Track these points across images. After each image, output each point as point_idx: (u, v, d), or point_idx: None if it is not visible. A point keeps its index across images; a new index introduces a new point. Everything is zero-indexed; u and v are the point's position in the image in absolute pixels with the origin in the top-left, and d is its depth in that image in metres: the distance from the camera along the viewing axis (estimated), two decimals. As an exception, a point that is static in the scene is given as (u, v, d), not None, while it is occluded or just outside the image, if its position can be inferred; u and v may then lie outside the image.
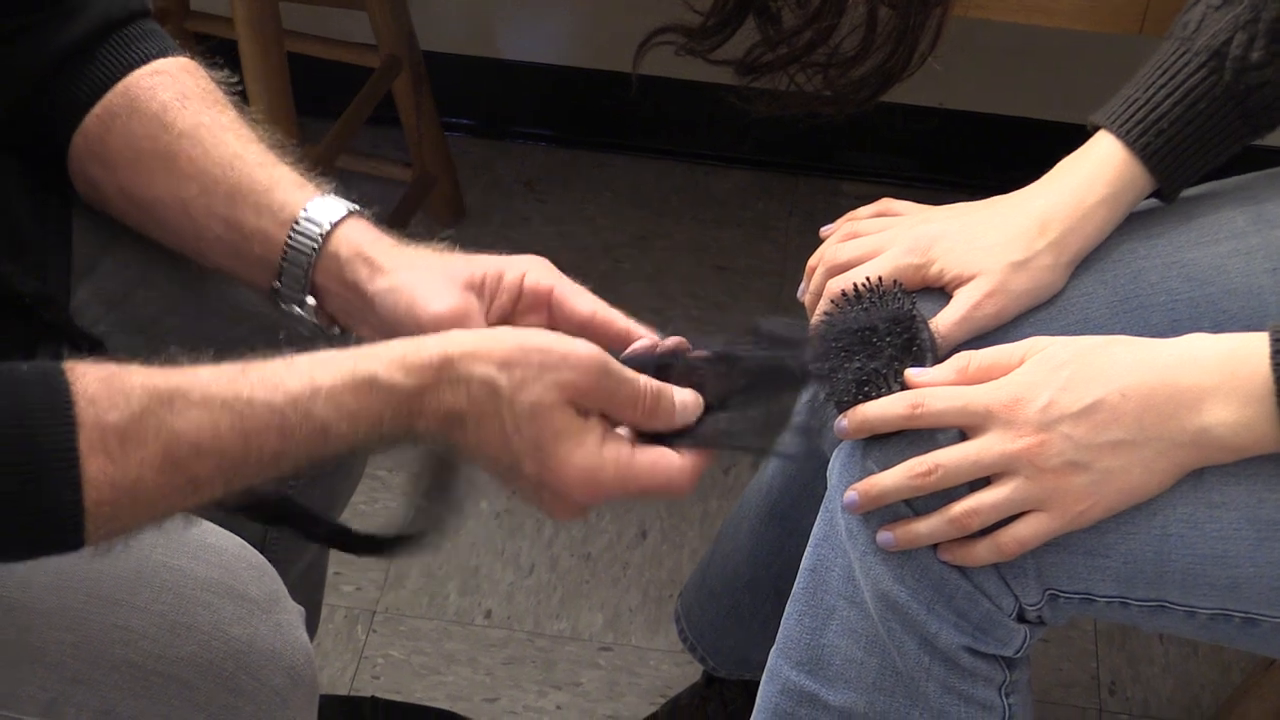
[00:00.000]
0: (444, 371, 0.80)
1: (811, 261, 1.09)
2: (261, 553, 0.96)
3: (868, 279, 1.00)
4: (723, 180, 2.23)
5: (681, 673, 1.64)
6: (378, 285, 0.92)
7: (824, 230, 1.11)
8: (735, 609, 1.39)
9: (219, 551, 0.92)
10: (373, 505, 1.80)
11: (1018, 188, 1.05)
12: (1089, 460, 0.90)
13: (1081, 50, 1.95)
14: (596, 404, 0.84)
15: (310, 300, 0.95)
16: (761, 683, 1.07)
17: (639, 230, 2.15)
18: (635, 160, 2.25)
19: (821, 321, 0.99)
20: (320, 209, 0.94)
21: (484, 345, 0.81)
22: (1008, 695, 0.99)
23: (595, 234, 2.14)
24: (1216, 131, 1.01)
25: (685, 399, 0.87)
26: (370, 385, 0.79)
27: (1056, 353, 0.93)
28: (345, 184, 0.99)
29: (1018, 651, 0.98)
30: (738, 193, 2.21)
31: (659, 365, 0.89)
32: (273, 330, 0.95)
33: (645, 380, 0.86)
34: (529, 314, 0.94)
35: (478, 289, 0.93)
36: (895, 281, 1.00)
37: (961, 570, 0.94)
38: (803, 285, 1.10)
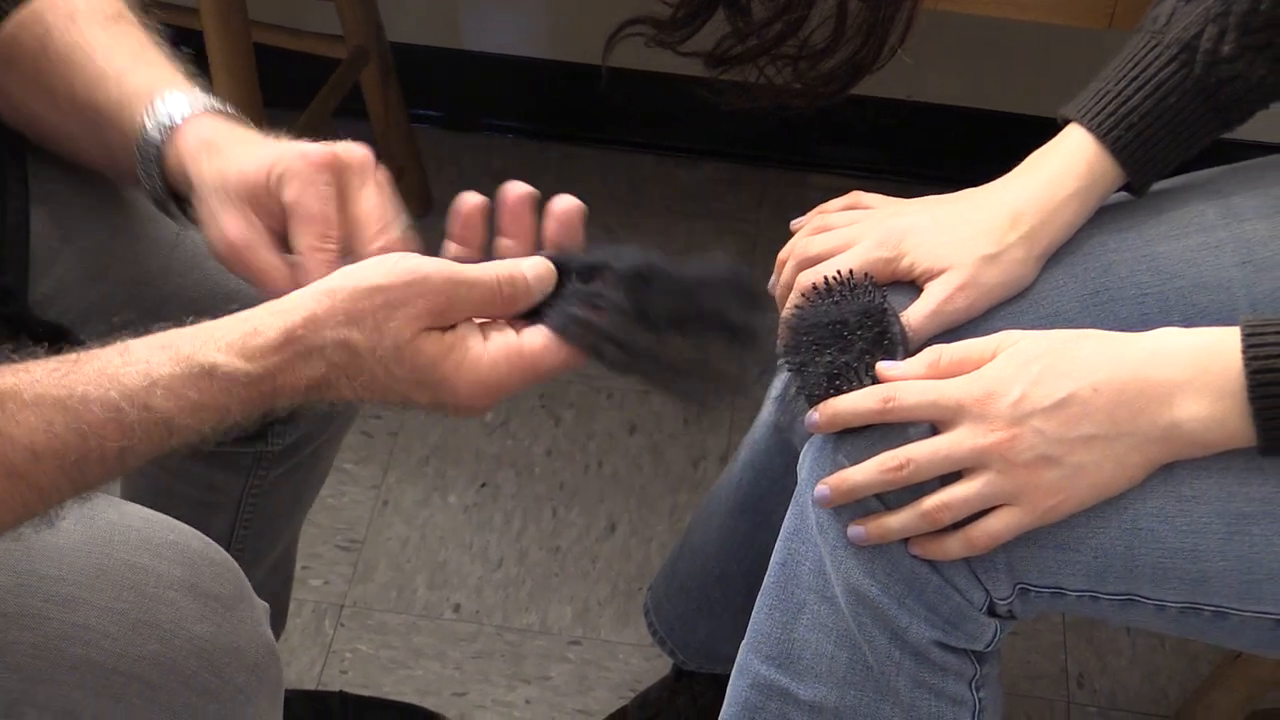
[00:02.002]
0: (290, 348, 0.77)
1: (782, 255, 1.09)
2: (227, 550, 0.95)
3: (838, 272, 0.99)
4: (692, 172, 2.23)
5: (651, 666, 1.63)
6: (198, 210, 0.90)
7: (794, 223, 1.11)
8: (705, 602, 1.39)
9: (182, 549, 0.91)
10: (340, 499, 1.79)
11: (988, 181, 1.05)
12: (1060, 455, 0.90)
13: (1051, 44, 1.95)
14: (457, 316, 0.81)
15: (173, 207, 0.92)
16: (731, 676, 1.07)
17: (608, 222, 2.14)
18: (604, 152, 2.25)
19: (792, 315, 0.99)
20: (160, 116, 0.90)
21: (323, 306, 0.78)
22: (978, 689, 0.99)
23: (564, 226, 2.12)
24: (1187, 125, 1.01)
25: (537, 270, 0.84)
26: (210, 376, 0.75)
27: (1028, 347, 0.92)
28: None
29: (988, 646, 0.98)
30: (708, 185, 2.21)
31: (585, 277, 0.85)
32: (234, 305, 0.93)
33: (492, 270, 0.82)
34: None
35: (258, 200, 0.87)
36: (866, 275, 1.00)
37: (932, 564, 0.94)
38: (773, 278, 1.09)
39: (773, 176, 2.22)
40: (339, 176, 0.87)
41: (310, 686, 1.61)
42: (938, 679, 0.98)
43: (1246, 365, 0.87)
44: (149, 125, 0.91)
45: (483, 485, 1.82)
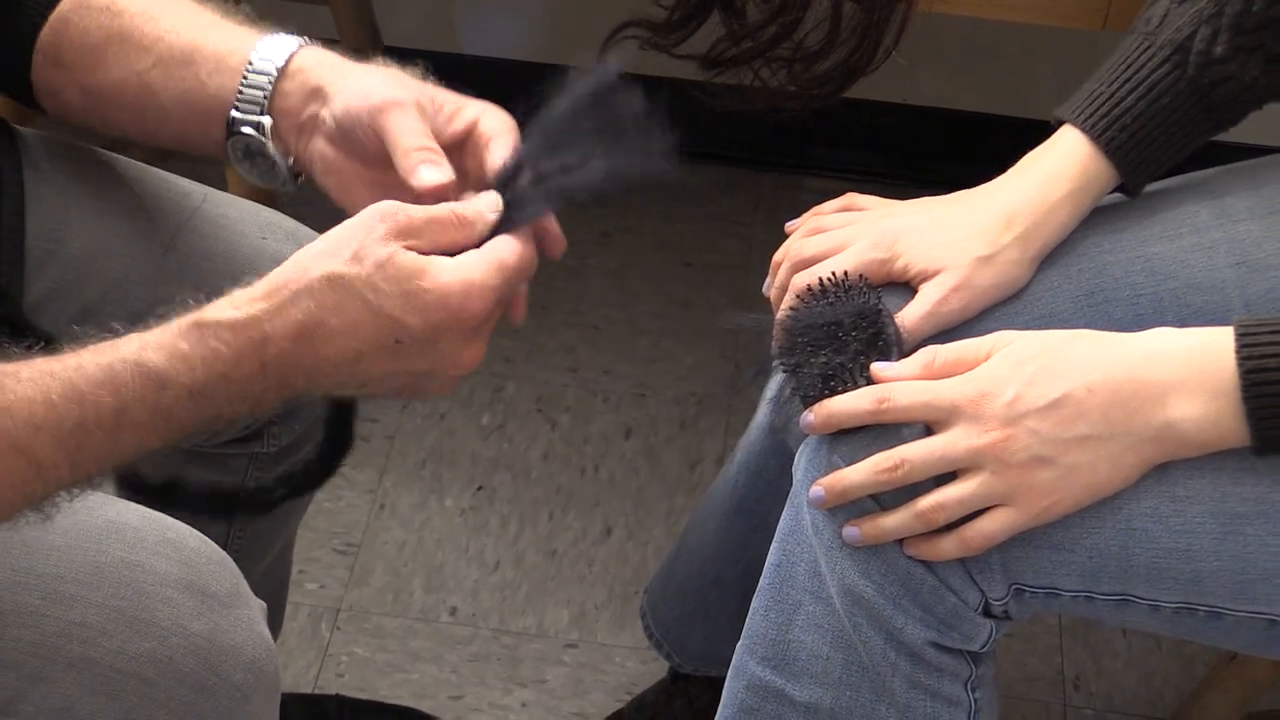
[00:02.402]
0: (276, 294, 0.79)
1: (777, 257, 1.09)
2: (224, 549, 0.95)
3: (833, 274, 0.99)
4: (688, 175, 2.22)
5: (647, 669, 1.63)
6: (339, 84, 0.92)
7: (789, 225, 1.11)
8: (701, 605, 1.39)
9: (179, 547, 0.91)
10: (337, 503, 1.79)
11: (983, 183, 1.05)
12: (1054, 455, 0.90)
13: (1046, 46, 1.95)
14: (426, 236, 0.83)
15: (267, 120, 0.93)
16: (727, 678, 1.07)
17: (604, 226, 2.14)
18: (600, 156, 2.24)
19: (787, 316, 0.99)
20: (274, 43, 0.94)
21: (301, 258, 0.81)
22: (974, 690, 0.99)
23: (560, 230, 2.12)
24: (1180, 126, 1.01)
25: (477, 201, 0.87)
26: (198, 326, 0.78)
27: (1022, 348, 0.93)
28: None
29: (983, 646, 0.98)
30: (703, 188, 2.21)
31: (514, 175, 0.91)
32: None
33: (446, 205, 0.86)
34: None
35: (424, 108, 0.92)
36: (860, 276, 1.00)
37: (927, 565, 0.94)
38: (768, 280, 1.10)
39: (768, 179, 2.22)
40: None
41: (307, 690, 1.61)
42: (933, 680, 0.98)
43: (1240, 365, 0.87)
44: (262, 50, 0.94)
45: (479, 489, 1.82)
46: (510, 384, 1.94)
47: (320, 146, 0.93)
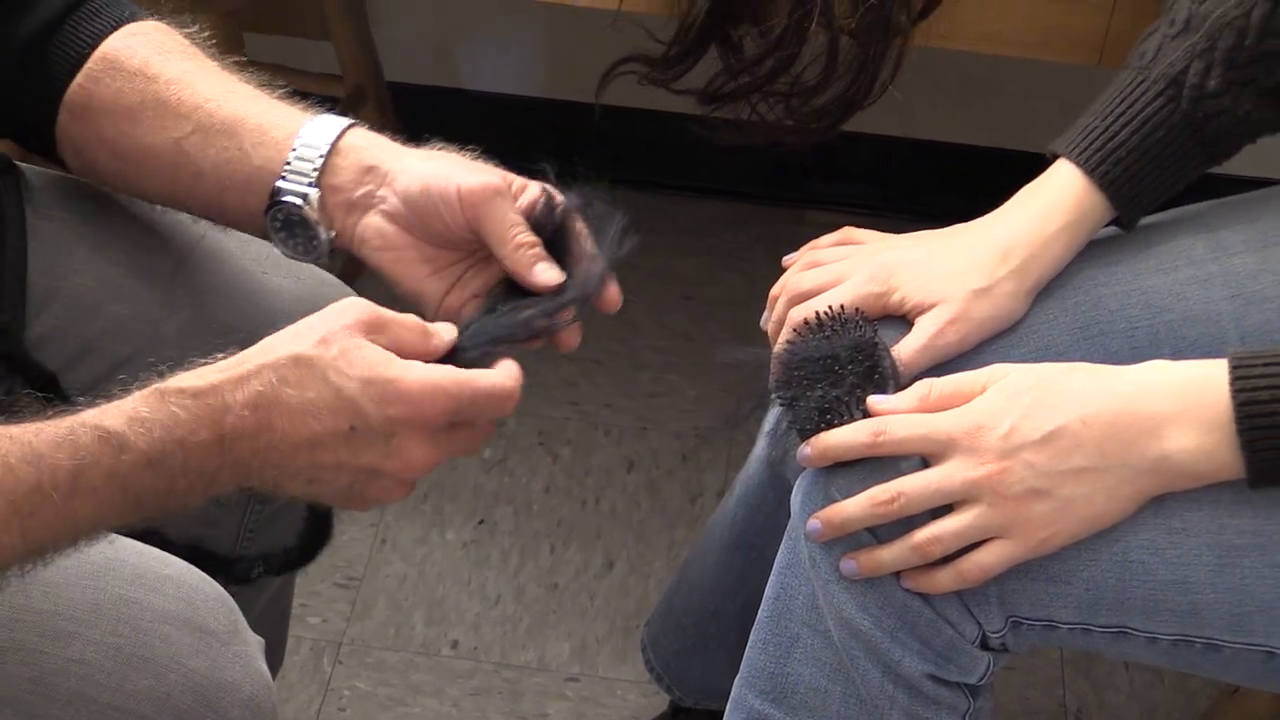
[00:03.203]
0: (241, 367, 0.80)
1: (774, 290, 1.09)
2: (224, 588, 0.95)
3: (829, 307, 1.00)
4: (689, 210, 2.23)
5: (648, 703, 1.63)
6: (401, 165, 0.94)
7: (786, 259, 1.12)
8: (701, 638, 1.39)
9: (177, 584, 0.91)
10: (339, 536, 1.78)
11: (981, 216, 1.05)
12: (1051, 487, 0.90)
13: (1042, 80, 1.96)
14: (389, 335, 0.84)
15: (314, 191, 0.94)
16: (726, 711, 1.07)
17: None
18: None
19: (784, 350, 0.99)
20: (322, 122, 0.95)
21: (269, 340, 0.82)
22: (971, 723, 1.00)
23: (561, 264, 2.13)
24: (1174, 159, 1.01)
25: (435, 327, 0.89)
26: (159, 392, 0.78)
27: (1018, 380, 0.93)
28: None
29: (981, 679, 0.98)
30: (704, 222, 2.21)
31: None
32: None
33: (407, 315, 0.87)
34: None
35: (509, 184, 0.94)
36: (857, 309, 1.00)
37: (924, 598, 0.94)
38: (766, 314, 1.10)
39: (769, 214, 2.22)
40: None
41: (308, 724, 1.61)
42: (930, 713, 0.98)
43: (1234, 397, 0.87)
44: (314, 126, 0.95)
45: (480, 522, 1.82)
46: (511, 418, 1.94)
47: (377, 223, 0.94)
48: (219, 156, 0.95)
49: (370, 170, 0.94)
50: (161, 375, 0.80)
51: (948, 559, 0.92)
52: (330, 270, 1.09)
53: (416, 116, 2.13)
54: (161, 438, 0.77)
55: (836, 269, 1.05)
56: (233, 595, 0.96)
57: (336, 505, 0.88)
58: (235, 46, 1.65)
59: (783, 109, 1.23)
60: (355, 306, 0.84)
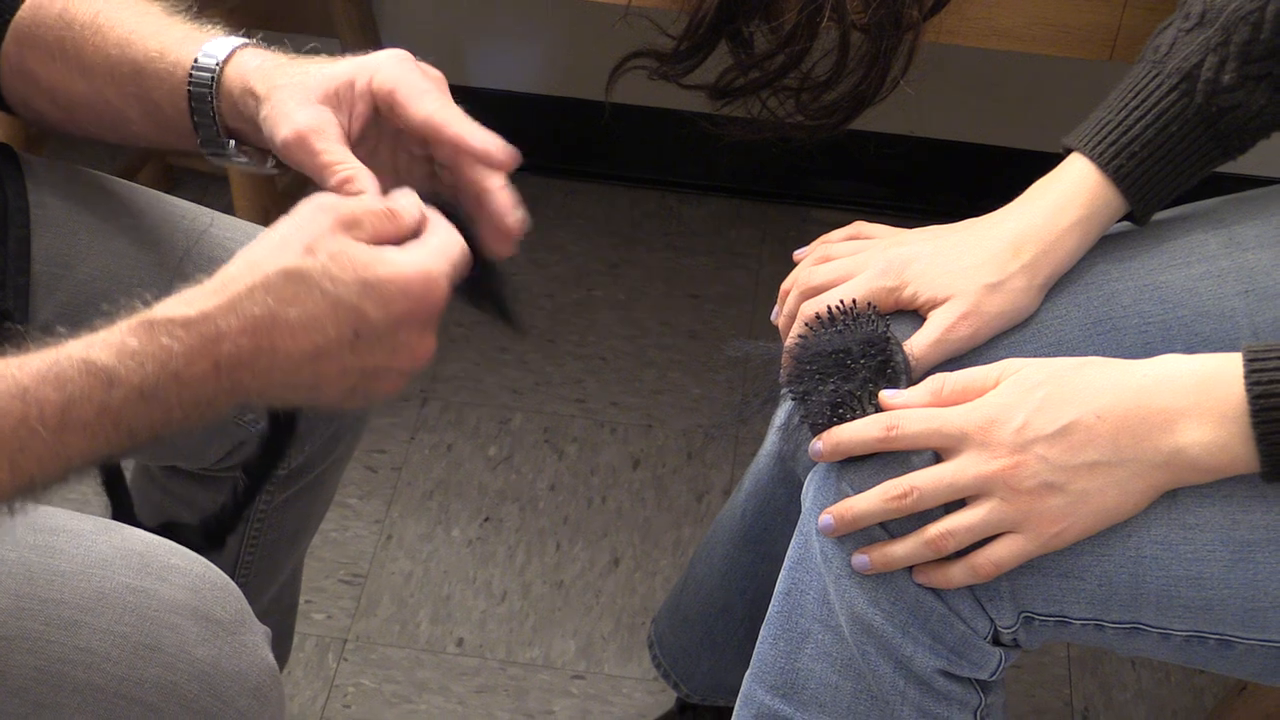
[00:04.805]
0: (229, 289, 0.77)
1: (785, 285, 1.09)
2: (233, 576, 0.95)
3: (841, 302, 1.00)
4: (695, 208, 2.23)
5: (655, 700, 1.63)
6: (261, 114, 0.91)
7: (797, 254, 1.11)
8: (709, 634, 1.39)
9: (184, 573, 0.91)
10: (344, 533, 1.79)
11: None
12: (1064, 482, 0.90)
13: (1053, 77, 1.96)
14: (366, 228, 0.82)
15: (231, 143, 0.94)
16: (736, 707, 1.06)
17: (611, 258, 2.14)
18: (607, 188, 2.25)
19: (796, 344, 0.99)
20: (206, 54, 0.93)
21: (250, 255, 0.79)
22: (983, 719, 0.99)
23: (567, 262, 2.13)
24: (1188, 154, 1.01)
25: (398, 197, 0.86)
26: (148, 324, 0.76)
27: (1031, 374, 0.93)
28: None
29: (993, 674, 0.97)
30: (710, 220, 2.21)
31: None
32: None
33: (371, 200, 0.85)
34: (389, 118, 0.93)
35: (334, 101, 0.90)
36: (869, 304, 1.00)
37: (936, 593, 0.94)
38: (776, 308, 1.10)
39: (775, 212, 2.22)
40: (424, 73, 0.92)
41: (313, 721, 1.61)
42: (942, 708, 0.97)
43: (1248, 391, 0.87)
44: (204, 61, 0.93)
45: (486, 519, 1.82)
46: (518, 415, 1.94)
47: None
48: (138, 108, 0.95)
49: (250, 121, 0.93)
50: (147, 304, 0.77)
51: (960, 554, 0.92)
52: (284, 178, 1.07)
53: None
54: (155, 372, 0.75)
55: (848, 263, 1.05)
56: (242, 582, 0.96)
57: (335, 406, 0.85)
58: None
59: (793, 104, 1.23)
60: (326, 206, 0.81)
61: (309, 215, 0.81)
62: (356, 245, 0.80)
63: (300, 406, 0.87)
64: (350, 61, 0.91)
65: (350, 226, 0.81)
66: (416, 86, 0.90)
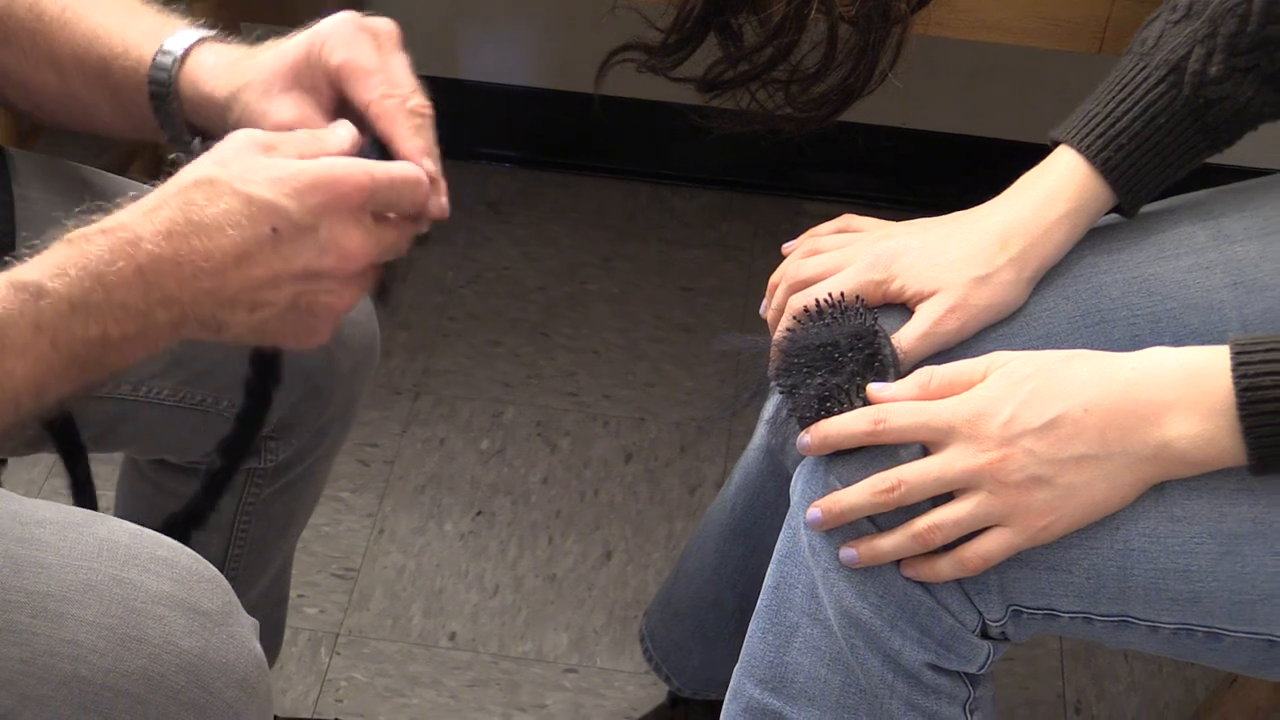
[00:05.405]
0: (143, 204, 0.79)
1: (774, 278, 1.09)
2: (222, 569, 0.95)
3: (829, 295, 0.99)
4: (687, 201, 2.23)
5: (647, 694, 1.63)
6: (231, 120, 0.91)
7: (786, 247, 1.11)
8: (700, 628, 1.39)
9: (171, 564, 0.91)
10: (336, 527, 1.79)
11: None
12: (1051, 475, 0.90)
13: (1042, 69, 1.96)
14: (285, 149, 0.83)
15: (196, 140, 0.92)
16: (725, 701, 1.06)
17: (604, 251, 2.14)
18: (599, 181, 2.25)
19: (784, 337, 0.99)
20: (164, 52, 0.93)
21: (168, 181, 0.81)
22: (972, 712, 0.99)
23: (560, 255, 2.13)
24: (1176, 146, 1.01)
25: (335, 127, 0.87)
26: (68, 240, 0.77)
27: (1018, 368, 0.93)
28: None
29: (981, 668, 0.97)
30: (702, 213, 2.21)
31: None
32: None
33: (297, 131, 0.86)
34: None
35: (296, 83, 0.90)
36: (857, 297, 1.00)
37: (924, 586, 0.94)
38: (765, 302, 1.10)
39: (767, 204, 2.22)
40: (374, 40, 0.91)
41: (305, 715, 1.61)
42: (931, 701, 0.97)
43: (1236, 383, 0.87)
44: (161, 60, 0.93)
45: (478, 513, 1.82)
46: (510, 409, 1.94)
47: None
48: (109, 103, 0.95)
49: (218, 124, 0.93)
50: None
51: (948, 547, 0.92)
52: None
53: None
54: (78, 276, 0.76)
55: (836, 256, 1.05)
56: (231, 574, 0.95)
57: (291, 341, 0.85)
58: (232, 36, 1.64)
59: (782, 97, 1.23)
60: (246, 132, 0.83)
61: (228, 140, 0.83)
62: (271, 158, 0.81)
63: (260, 345, 0.87)
64: (299, 36, 0.91)
65: (267, 147, 0.82)
66: (360, 69, 0.90)
